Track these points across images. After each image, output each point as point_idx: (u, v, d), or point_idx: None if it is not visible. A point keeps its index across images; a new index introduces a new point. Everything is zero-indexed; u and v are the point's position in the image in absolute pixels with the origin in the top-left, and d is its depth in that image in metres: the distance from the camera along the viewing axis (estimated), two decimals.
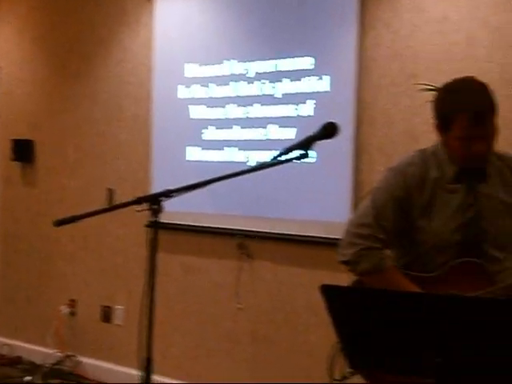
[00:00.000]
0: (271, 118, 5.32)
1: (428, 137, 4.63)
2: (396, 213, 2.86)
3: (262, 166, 2.81)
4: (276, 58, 5.31)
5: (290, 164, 2.82)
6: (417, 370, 2.25)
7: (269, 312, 5.47)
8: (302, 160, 2.75)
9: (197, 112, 5.73)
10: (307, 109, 5.14)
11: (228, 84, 5.58)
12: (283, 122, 5.26)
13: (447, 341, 2.11)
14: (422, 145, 4.64)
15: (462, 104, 2.71)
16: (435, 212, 2.83)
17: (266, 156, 5.15)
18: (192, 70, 5.77)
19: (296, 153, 2.72)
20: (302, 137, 2.75)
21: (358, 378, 2.86)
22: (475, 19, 4.56)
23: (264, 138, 5.36)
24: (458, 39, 4.62)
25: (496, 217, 2.83)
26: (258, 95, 5.42)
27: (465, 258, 2.78)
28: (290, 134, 5.15)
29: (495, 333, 2.05)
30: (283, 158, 2.72)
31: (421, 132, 4.67)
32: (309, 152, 2.72)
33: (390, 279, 2.83)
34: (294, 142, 2.73)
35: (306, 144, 2.70)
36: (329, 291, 2.28)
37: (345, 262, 2.93)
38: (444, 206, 2.82)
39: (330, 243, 4.61)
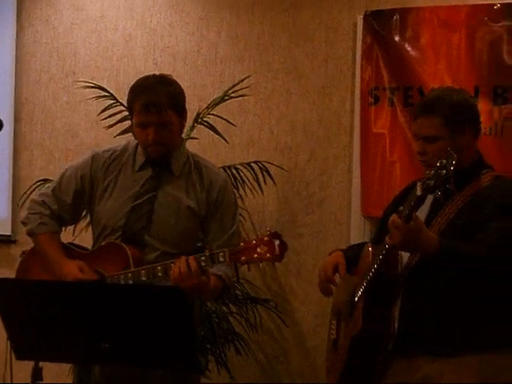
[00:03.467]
0: None
1: (87, 133, 4.73)
2: (78, 190, 2.99)
3: None
4: None
5: None
6: (83, 356, 2.33)
7: None
8: None
9: None
10: None
11: None
12: None
13: (110, 326, 2.20)
14: (82, 140, 4.76)
15: (138, 94, 2.89)
16: (113, 196, 2.96)
17: None
18: None
19: None
20: None
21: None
22: (132, 19, 4.72)
23: None
24: (115, 38, 4.75)
25: (167, 214, 2.93)
26: None
27: (111, 241, 2.94)
28: None
29: (149, 316, 2.18)
30: None
31: (80, 128, 4.75)
32: None
33: (42, 245, 2.98)
34: None
35: None
36: None
37: (23, 225, 3.08)
38: (122, 192, 2.95)
39: None
